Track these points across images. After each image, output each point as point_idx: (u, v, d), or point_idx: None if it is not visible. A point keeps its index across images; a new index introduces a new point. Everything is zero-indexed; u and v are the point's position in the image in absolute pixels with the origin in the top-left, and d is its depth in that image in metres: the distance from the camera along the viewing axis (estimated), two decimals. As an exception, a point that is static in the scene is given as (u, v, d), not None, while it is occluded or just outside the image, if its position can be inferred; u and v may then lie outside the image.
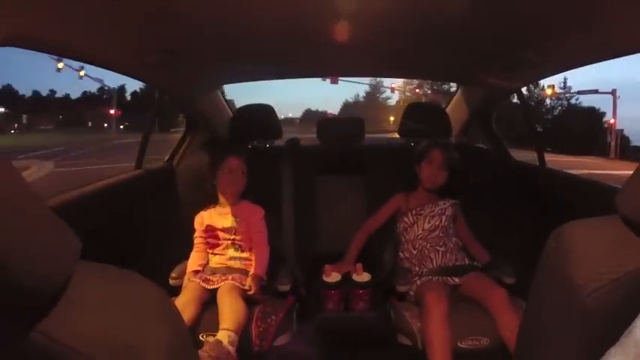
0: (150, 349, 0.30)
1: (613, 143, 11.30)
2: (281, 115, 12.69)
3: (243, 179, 1.34)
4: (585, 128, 16.19)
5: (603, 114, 18.88)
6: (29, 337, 0.28)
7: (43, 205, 0.30)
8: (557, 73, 1.34)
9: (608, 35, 0.95)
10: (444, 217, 1.39)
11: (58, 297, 0.29)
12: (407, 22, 1.05)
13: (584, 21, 0.92)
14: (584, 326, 0.40)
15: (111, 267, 0.34)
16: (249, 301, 1.17)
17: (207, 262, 1.33)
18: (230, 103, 2.02)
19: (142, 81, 1.46)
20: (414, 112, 1.70)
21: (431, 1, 0.90)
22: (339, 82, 12.60)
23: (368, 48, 1.32)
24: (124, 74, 1.29)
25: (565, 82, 20.38)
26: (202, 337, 1.09)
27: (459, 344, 1.09)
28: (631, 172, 0.43)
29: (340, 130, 1.78)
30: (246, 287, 1.18)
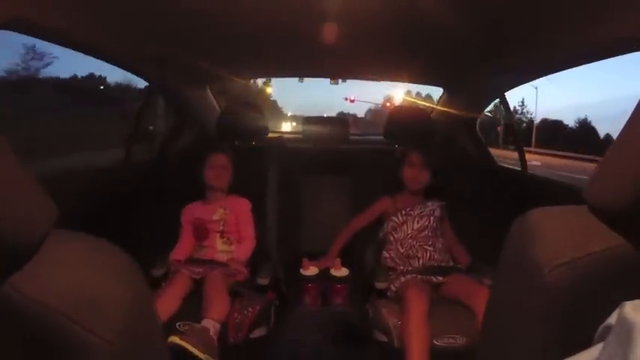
0: (109, 303, 0.32)
1: (500, 139, 19.92)
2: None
3: (228, 175, 1.41)
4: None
5: (566, 126, 27.30)
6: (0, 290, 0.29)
7: (21, 167, 0.31)
8: (540, 77, 1.37)
9: (588, 39, 0.97)
10: (432, 218, 1.40)
11: (31, 254, 0.30)
12: (393, 25, 1.08)
13: (565, 25, 0.94)
14: (546, 303, 0.39)
15: (86, 235, 0.36)
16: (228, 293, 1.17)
17: (193, 253, 1.34)
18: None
19: (135, 74, 1.48)
20: (398, 117, 1.71)
21: (416, 5, 0.93)
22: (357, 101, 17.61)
23: (355, 50, 1.35)
24: (117, 65, 1.31)
25: (523, 102, 26.83)
26: (179, 326, 1.08)
27: (435, 342, 1.08)
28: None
29: (325, 130, 1.79)
30: (233, 271, 1.19)
